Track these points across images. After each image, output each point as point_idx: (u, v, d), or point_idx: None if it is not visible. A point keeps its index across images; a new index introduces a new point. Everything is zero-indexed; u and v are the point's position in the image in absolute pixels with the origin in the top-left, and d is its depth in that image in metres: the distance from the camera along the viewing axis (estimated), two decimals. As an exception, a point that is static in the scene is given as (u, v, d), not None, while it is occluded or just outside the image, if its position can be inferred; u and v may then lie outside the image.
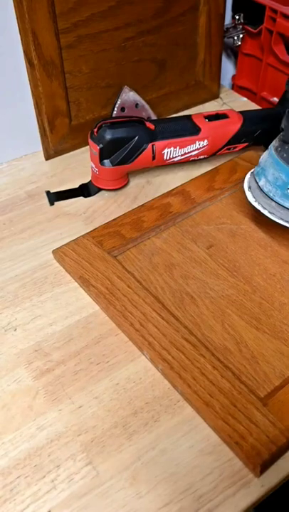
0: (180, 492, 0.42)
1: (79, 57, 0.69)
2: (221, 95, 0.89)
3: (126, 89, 0.71)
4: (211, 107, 0.86)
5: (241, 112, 0.70)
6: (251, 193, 0.56)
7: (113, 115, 0.71)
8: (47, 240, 0.64)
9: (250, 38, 0.86)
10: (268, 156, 0.55)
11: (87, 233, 0.62)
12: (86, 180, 0.71)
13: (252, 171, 0.59)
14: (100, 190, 0.70)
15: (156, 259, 0.60)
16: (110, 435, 0.46)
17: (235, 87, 0.94)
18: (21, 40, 0.65)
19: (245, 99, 0.89)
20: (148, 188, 0.71)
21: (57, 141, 0.74)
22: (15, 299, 0.57)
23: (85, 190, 0.70)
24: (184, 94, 0.83)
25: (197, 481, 0.43)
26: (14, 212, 0.68)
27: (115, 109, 0.71)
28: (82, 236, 0.62)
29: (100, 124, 0.64)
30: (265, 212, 0.54)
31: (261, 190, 0.55)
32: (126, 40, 0.72)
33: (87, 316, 0.55)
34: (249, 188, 0.57)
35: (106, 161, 0.65)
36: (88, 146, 0.66)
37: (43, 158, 0.75)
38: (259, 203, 0.55)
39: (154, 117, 0.74)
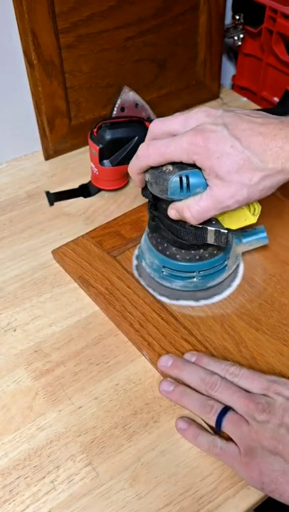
0: (180, 493, 0.42)
1: (79, 57, 0.69)
2: (221, 95, 0.88)
3: (126, 89, 0.71)
4: (211, 107, 0.86)
5: (241, 112, 0.70)
6: (137, 271, 0.59)
7: (113, 115, 0.71)
8: (47, 240, 0.64)
9: (251, 38, 0.85)
10: (144, 240, 0.57)
11: (87, 233, 0.62)
12: (86, 181, 0.71)
13: (137, 249, 0.61)
14: (99, 190, 0.70)
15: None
16: (110, 436, 0.46)
17: (236, 87, 0.94)
18: (21, 40, 0.64)
19: (245, 99, 0.89)
20: (148, 188, 0.71)
21: (57, 141, 0.74)
22: (15, 300, 0.57)
23: (84, 191, 0.70)
24: (184, 94, 0.83)
25: (197, 482, 0.43)
26: (14, 212, 0.68)
27: (115, 109, 0.71)
28: (82, 236, 0.62)
29: (99, 124, 0.64)
30: (150, 291, 0.56)
31: (144, 270, 0.57)
32: (126, 40, 0.72)
33: (86, 317, 0.55)
34: (136, 267, 0.59)
35: (106, 162, 0.65)
36: (88, 146, 0.66)
37: (43, 158, 0.75)
38: (146, 283, 0.57)
39: (154, 117, 0.74)
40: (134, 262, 0.60)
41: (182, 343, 0.51)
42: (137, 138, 0.64)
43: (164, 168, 0.46)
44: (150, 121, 0.67)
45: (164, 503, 0.42)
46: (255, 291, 0.57)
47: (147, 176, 0.48)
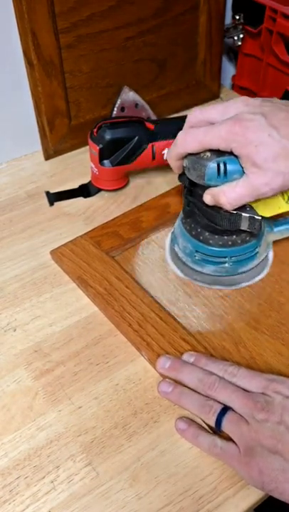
0: (180, 493, 0.42)
1: (79, 56, 0.69)
2: (221, 95, 0.88)
3: (126, 89, 0.71)
4: (211, 106, 0.86)
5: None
6: (170, 255, 0.60)
7: (113, 115, 0.71)
8: (47, 240, 0.64)
9: (251, 38, 0.85)
10: (177, 225, 0.58)
11: (85, 233, 0.62)
12: (86, 181, 0.71)
13: (170, 234, 0.62)
14: (99, 190, 0.70)
15: (156, 259, 0.60)
16: (110, 436, 0.46)
17: (236, 87, 0.94)
18: (21, 40, 0.64)
19: (245, 99, 0.89)
20: (148, 188, 0.71)
21: (56, 141, 0.74)
22: (14, 300, 0.57)
23: (84, 191, 0.70)
24: (184, 94, 0.83)
25: (197, 482, 0.43)
26: (14, 212, 0.68)
27: (115, 109, 0.71)
28: (80, 236, 0.61)
29: (99, 124, 0.64)
30: (181, 275, 0.58)
31: (177, 254, 0.59)
32: (126, 40, 0.72)
33: (86, 317, 0.55)
34: (170, 253, 0.60)
35: (106, 162, 0.65)
36: (88, 146, 0.66)
37: (43, 158, 0.75)
38: (176, 266, 0.59)
39: (154, 117, 0.74)
40: (168, 247, 0.61)
41: (181, 343, 0.50)
42: (137, 138, 0.64)
43: (202, 155, 0.47)
44: (150, 121, 0.67)
45: (164, 503, 0.42)
46: (254, 291, 0.57)
47: (185, 162, 0.49)
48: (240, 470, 0.41)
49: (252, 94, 0.90)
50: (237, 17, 0.84)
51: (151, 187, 0.71)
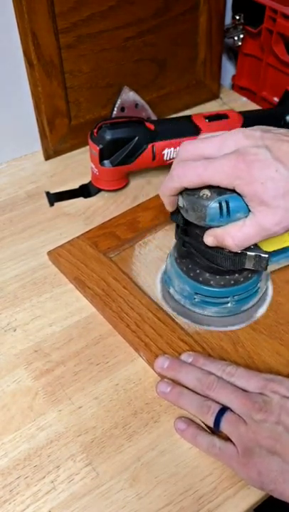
0: (180, 493, 0.42)
1: (79, 57, 0.69)
2: (221, 95, 0.88)
3: (126, 89, 0.71)
4: (211, 107, 0.86)
5: (241, 113, 0.69)
6: (163, 297, 0.56)
7: (113, 115, 0.71)
8: (47, 240, 0.64)
9: (251, 38, 0.85)
10: (171, 266, 0.54)
11: (82, 234, 0.62)
12: (86, 181, 0.71)
13: (161, 275, 0.58)
14: (99, 190, 0.70)
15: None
16: (110, 436, 0.46)
17: (236, 87, 0.94)
18: (21, 40, 0.64)
19: (245, 99, 0.89)
20: (148, 188, 0.71)
21: (56, 141, 0.74)
22: (15, 300, 0.57)
23: (84, 191, 0.70)
24: (184, 94, 0.83)
25: (197, 482, 0.43)
26: (14, 212, 0.68)
27: (115, 109, 0.71)
28: (77, 237, 0.61)
29: (99, 125, 0.64)
30: (180, 318, 0.54)
31: (172, 297, 0.55)
32: (126, 40, 0.72)
33: (86, 317, 0.55)
34: (162, 295, 0.57)
35: (106, 162, 0.65)
36: (88, 147, 0.66)
37: (43, 158, 0.75)
38: (174, 310, 0.55)
39: (154, 117, 0.74)
40: (159, 288, 0.57)
41: (179, 344, 0.50)
42: (137, 138, 0.64)
43: (201, 194, 0.43)
44: (150, 121, 0.67)
45: (164, 503, 0.42)
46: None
47: (182, 202, 0.45)
48: (238, 470, 0.41)
49: (252, 94, 0.90)
50: (237, 17, 0.84)
51: (151, 187, 0.71)
